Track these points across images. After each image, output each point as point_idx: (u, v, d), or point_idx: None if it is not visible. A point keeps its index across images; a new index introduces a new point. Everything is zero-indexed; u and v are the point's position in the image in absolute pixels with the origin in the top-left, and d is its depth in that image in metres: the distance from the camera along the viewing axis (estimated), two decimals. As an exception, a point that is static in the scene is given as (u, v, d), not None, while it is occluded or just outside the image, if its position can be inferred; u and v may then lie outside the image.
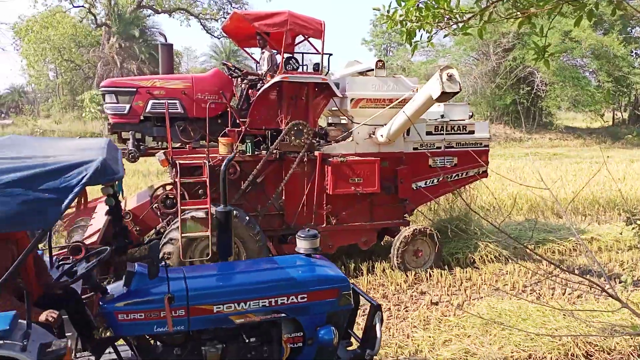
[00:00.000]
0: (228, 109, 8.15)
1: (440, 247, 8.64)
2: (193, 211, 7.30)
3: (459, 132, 9.11)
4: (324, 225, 8.39)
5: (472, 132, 9.20)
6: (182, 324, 3.57)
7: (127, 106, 8.00)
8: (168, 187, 7.94)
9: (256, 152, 8.20)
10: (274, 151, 8.08)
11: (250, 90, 8.58)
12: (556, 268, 3.91)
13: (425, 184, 8.93)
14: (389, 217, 8.78)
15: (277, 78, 8.05)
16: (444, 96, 7.14)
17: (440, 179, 8.92)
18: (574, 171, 18.08)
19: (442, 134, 9.00)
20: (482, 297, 7.47)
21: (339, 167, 8.18)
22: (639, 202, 13.21)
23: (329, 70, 8.87)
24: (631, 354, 5.59)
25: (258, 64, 9.29)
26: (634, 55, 37.10)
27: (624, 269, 8.35)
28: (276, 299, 3.82)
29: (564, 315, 6.35)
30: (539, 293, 7.66)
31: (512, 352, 5.58)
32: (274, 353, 3.90)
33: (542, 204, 12.73)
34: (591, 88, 31.91)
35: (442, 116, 9.11)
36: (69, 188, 3.03)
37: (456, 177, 9.08)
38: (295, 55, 8.68)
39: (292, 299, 3.85)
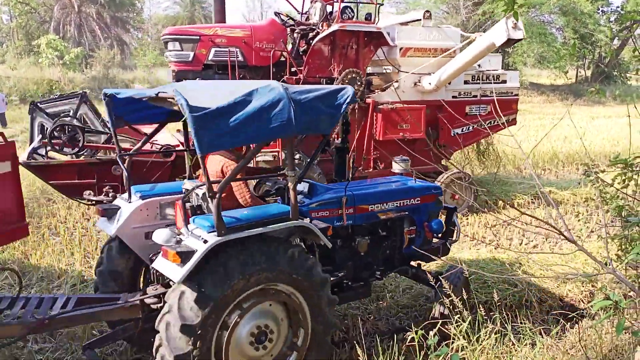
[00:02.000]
0: (285, 58, 8.31)
1: (476, 192, 9.10)
2: (262, 155, 7.58)
3: (493, 81, 9.61)
4: (371, 170, 8.73)
5: (505, 81, 9.73)
6: (351, 219, 4.73)
7: (191, 54, 8.17)
8: None
9: None
10: None
11: (300, 40, 8.75)
12: (521, 215, 4.06)
13: (462, 130, 9.36)
14: (430, 163, 9.02)
15: (334, 27, 8.12)
16: (508, 43, 7.61)
17: (475, 126, 9.35)
18: (536, 127, 18.41)
19: (479, 83, 9.48)
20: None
21: (388, 114, 8.49)
22: (597, 156, 13.59)
23: (378, 19, 8.91)
24: (582, 300, 5.83)
25: (301, 14, 9.31)
26: (600, 13, 37.40)
27: (579, 220, 8.63)
28: (403, 201, 5.13)
29: (519, 264, 6.56)
30: (498, 243, 7.87)
31: (469, 299, 5.75)
32: (399, 242, 5.16)
33: (505, 159, 12.95)
34: (557, 44, 32.17)
35: (479, 66, 9.44)
36: (339, 106, 4.00)
37: (489, 124, 9.50)
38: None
39: (412, 201, 5.18)
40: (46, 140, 7.21)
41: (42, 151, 7.34)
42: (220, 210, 3.51)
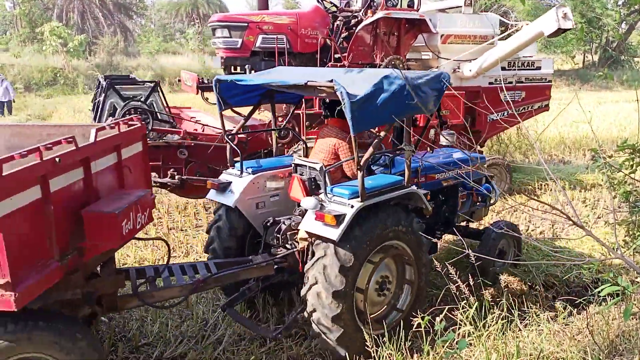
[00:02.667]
0: (329, 44, 8.40)
1: (511, 177, 9.21)
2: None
3: (528, 67, 9.65)
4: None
5: (539, 68, 9.76)
6: (422, 186, 5.16)
7: (239, 40, 8.30)
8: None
9: None
10: None
11: (342, 27, 8.80)
12: (528, 200, 4.14)
13: (497, 116, 9.34)
14: (465, 148, 9.16)
15: (380, 14, 8.19)
16: (557, 32, 7.70)
17: (510, 112, 9.35)
18: (543, 113, 18.26)
19: (514, 69, 9.51)
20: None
21: None
22: (605, 141, 13.49)
23: (420, 6, 8.95)
24: (589, 286, 5.82)
25: (341, 1, 9.38)
26: (608, -4, 36.93)
27: (586, 206, 8.59)
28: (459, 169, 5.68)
29: (526, 249, 6.55)
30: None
31: (472, 280, 5.75)
32: (454, 205, 5.92)
33: (511, 146, 12.88)
34: (564, 29, 31.78)
35: None
36: (441, 88, 4.61)
37: (523, 110, 9.56)
38: None
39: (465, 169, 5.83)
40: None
41: None
42: (363, 180, 4.20)
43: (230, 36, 8.31)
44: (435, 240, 4.69)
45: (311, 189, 4.74)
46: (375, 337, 4.39)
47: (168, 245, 4.62)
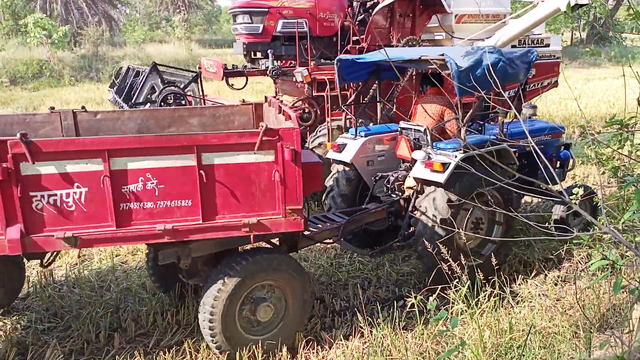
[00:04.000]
0: (350, 27, 8.49)
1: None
2: (337, 121, 7.83)
3: (537, 45, 9.69)
4: None
5: (548, 45, 9.83)
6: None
7: (261, 26, 8.35)
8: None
9: None
10: None
11: (358, 10, 8.90)
12: (516, 177, 4.26)
13: (509, 93, 9.44)
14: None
15: None
16: (573, 8, 7.80)
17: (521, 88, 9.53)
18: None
19: (525, 47, 9.41)
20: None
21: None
22: (593, 118, 13.55)
23: None
24: (579, 262, 5.88)
25: None
26: (595, -28, 36.81)
27: (575, 182, 8.65)
28: (541, 137, 6.62)
29: (518, 226, 6.60)
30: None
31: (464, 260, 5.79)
32: (535, 168, 6.14)
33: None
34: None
35: None
36: (530, 62, 5.48)
37: (533, 87, 9.59)
38: None
39: (546, 137, 6.71)
40: (153, 101, 8.11)
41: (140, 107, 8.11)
42: (464, 136, 5.07)
43: (252, 22, 8.36)
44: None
45: (416, 147, 5.63)
46: (369, 318, 4.44)
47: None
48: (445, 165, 4.97)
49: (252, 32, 8.41)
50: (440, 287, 4.66)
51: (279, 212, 3.96)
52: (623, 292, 4.49)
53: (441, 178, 4.97)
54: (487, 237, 5.51)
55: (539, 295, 5.17)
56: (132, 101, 8.58)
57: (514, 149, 5.59)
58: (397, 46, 8.58)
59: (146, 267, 5.35)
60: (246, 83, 8.89)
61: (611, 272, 3.09)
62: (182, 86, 8.70)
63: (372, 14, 8.59)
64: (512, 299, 4.92)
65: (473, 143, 5.23)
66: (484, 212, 5.42)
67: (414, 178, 5.38)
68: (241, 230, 3.92)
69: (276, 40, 8.55)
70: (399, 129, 6.02)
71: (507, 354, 4.03)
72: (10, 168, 3.43)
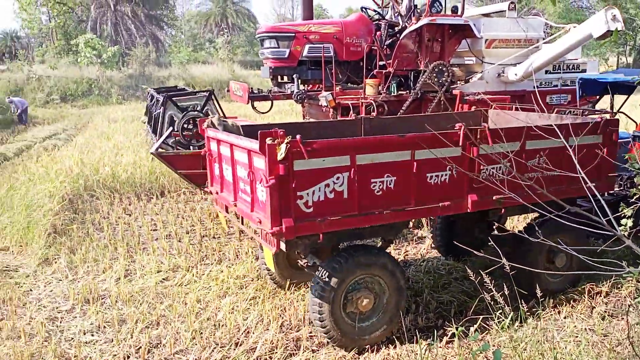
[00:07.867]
0: (376, 51, 8.52)
1: None
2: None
3: (573, 70, 9.58)
4: None
5: (585, 70, 9.64)
6: None
7: (287, 50, 8.45)
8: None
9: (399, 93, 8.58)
10: (418, 91, 8.35)
11: (385, 34, 8.91)
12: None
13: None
14: None
15: (424, 20, 8.26)
16: (606, 35, 7.70)
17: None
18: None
19: (560, 72, 9.46)
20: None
21: (475, 105, 8.46)
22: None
23: (464, 12, 9.03)
24: (628, 295, 5.67)
25: (382, 7, 9.60)
26: (642, -3, 36.09)
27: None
28: None
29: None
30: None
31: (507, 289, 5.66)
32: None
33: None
34: (597, 32, 31.20)
35: None
36: None
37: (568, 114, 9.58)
38: None
39: None
40: (176, 132, 7.96)
41: (170, 141, 7.97)
42: None
43: (278, 46, 8.46)
44: None
45: None
46: (409, 346, 4.36)
47: None
48: None
49: (278, 56, 8.50)
50: (482, 317, 4.56)
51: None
52: (676, 331, 4.30)
53: None
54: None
55: (585, 329, 5.00)
56: (162, 141, 8.05)
57: None
58: (423, 71, 8.50)
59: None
60: (271, 107, 8.99)
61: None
62: (198, 108, 8.56)
63: (400, 38, 8.54)
64: (557, 333, 4.77)
65: None
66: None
67: None
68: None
69: (302, 64, 8.61)
70: (632, 135, 6.69)
71: (551, 391, 3.90)
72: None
